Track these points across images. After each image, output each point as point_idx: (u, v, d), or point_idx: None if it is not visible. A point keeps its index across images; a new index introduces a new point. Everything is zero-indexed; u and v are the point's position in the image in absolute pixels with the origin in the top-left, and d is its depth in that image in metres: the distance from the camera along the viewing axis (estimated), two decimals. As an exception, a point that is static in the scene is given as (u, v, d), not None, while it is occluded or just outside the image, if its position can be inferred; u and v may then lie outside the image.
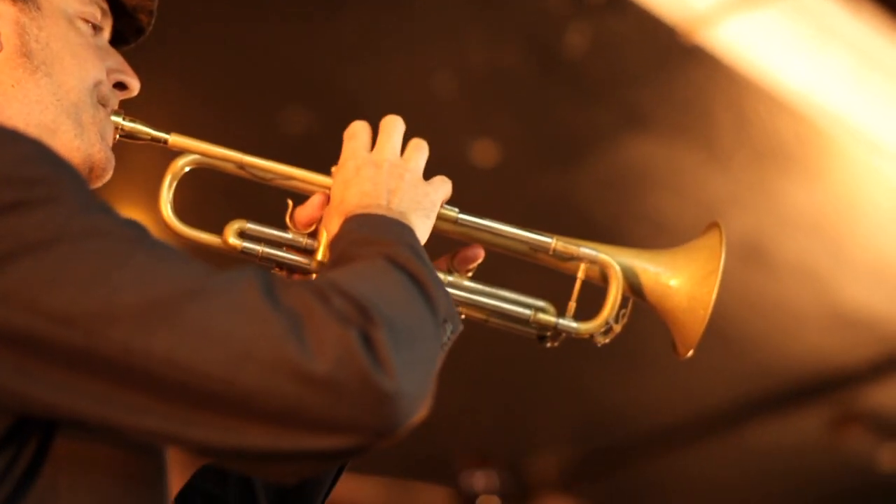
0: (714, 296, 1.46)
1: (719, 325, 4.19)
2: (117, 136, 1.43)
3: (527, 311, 1.51)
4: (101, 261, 1.13)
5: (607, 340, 1.51)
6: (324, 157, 1.49)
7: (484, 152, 3.47)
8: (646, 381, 4.50)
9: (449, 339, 1.30)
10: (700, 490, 5.18)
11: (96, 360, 1.12)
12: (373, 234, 1.31)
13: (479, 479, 2.83)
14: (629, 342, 4.38)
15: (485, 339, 3.92)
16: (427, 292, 1.24)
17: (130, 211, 1.19)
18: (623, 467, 4.97)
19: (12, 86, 1.34)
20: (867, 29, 3.25)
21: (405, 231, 1.32)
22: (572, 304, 1.51)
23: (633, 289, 1.51)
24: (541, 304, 1.52)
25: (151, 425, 1.14)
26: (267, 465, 1.18)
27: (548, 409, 4.71)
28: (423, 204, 1.42)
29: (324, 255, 1.43)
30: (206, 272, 1.16)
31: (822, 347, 4.29)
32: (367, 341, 1.14)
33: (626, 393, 4.54)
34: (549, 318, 1.51)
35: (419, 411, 1.17)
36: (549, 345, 1.53)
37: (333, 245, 1.33)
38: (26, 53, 1.36)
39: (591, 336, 1.51)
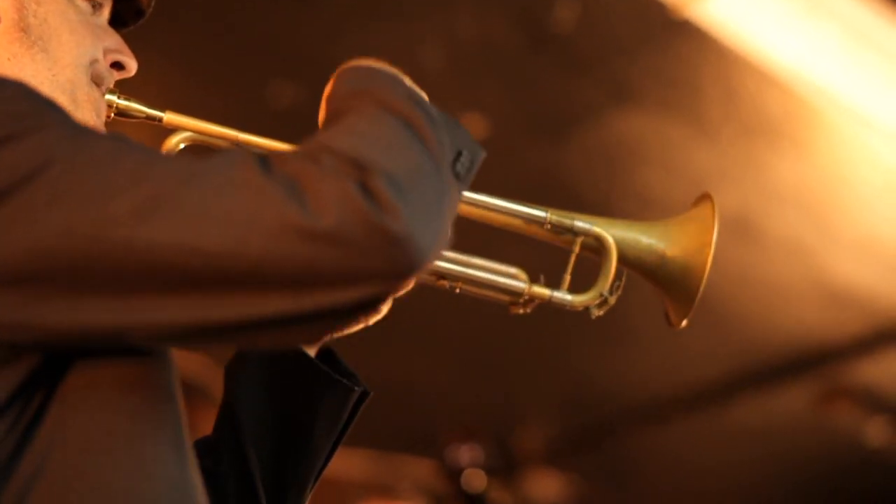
0: (708, 267, 1.47)
1: (706, 299, 4.17)
2: (112, 115, 1.43)
3: (521, 285, 1.51)
4: (94, 172, 1.13)
5: (602, 312, 1.52)
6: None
7: (472, 125, 3.46)
8: (632, 357, 4.50)
9: (470, 168, 1.30)
10: (686, 465, 5.20)
11: (104, 266, 1.12)
12: (364, 84, 1.30)
13: (465, 453, 2.83)
14: (616, 318, 4.39)
15: (471, 313, 3.92)
16: (422, 133, 1.24)
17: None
18: (609, 442, 4.98)
19: (8, 59, 1.34)
20: (856, 4, 3.24)
21: (397, 79, 1.32)
22: (567, 277, 1.52)
23: (628, 261, 1.51)
24: (513, 270, 1.53)
25: (171, 318, 1.14)
26: (293, 330, 1.19)
27: (534, 383, 4.71)
28: None
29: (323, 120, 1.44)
30: (196, 160, 1.18)
31: (810, 322, 4.30)
32: (366, 189, 1.14)
33: (613, 368, 4.54)
34: (544, 291, 1.51)
35: (434, 249, 1.18)
36: (521, 311, 1.53)
37: (327, 105, 1.34)
38: (24, 28, 1.36)
39: (587, 308, 1.52)
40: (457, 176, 1.28)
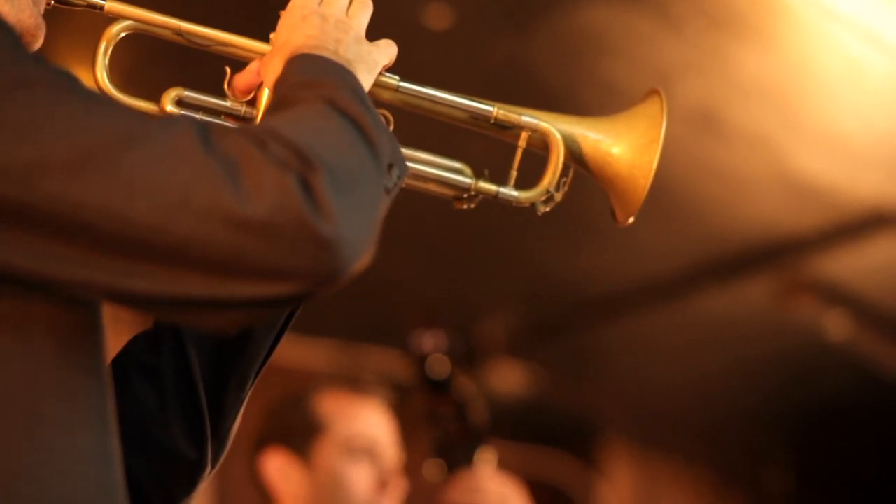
0: (655, 165, 1.47)
1: (670, 192, 4.20)
2: (51, 2, 1.40)
3: (467, 180, 1.50)
4: (32, 110, 1.13)
5: (548, 209, 1.52)
6: (262, 23, 1.47)
7: (437, 15, 3.42)
8: (594, 250, 4.51)
9: (396, 184, 1.29)
10: (647, 356, 5.24)
11: (30, 213, 1.11)
12: (315, 76, 1.29)
13: (428, 340, 2.84)
14: (579, 210, 4.39)
15: (435, 204, 3.91)
16: (369, 136, 1.23)
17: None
18: (570, 333, 5.01)
19: None
20: None
21: (348, 75, 1.31)
22: (513, 173, 1.51)
23: (574, 156, 1.51)
24: (459, 165, 1.52)
25: (88, 277, 1.14)
26: (205, 315, 1.18)
27: (496, 275, 4.72)
28: (367, 60, 1.40)
29: (269, 103, 1.42)
30: (140, 119, 1.15)
31: (772, 215, 4.31)
32: (306, 186, 1.13)
33: (575, 260, 4.55)
34: (491, 187, 1.51)
35: (361, 257, 1.17)
36: (465, 207, 1.53)
37: (275, 89, 1.31)
38: None
39: (533, 204, 1.51)
40: (385, 189, 1.26)
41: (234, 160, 1.13)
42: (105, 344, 1.25)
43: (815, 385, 5.40)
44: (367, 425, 2.57)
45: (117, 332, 1.46)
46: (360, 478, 2.52)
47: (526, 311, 4.88)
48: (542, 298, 4.84)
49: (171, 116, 1.15)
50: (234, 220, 1.11)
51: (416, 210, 4.17)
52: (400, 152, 1.32)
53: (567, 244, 4.48)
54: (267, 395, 1.62)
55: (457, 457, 2.74)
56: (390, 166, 1.27)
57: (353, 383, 2.63)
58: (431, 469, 2.76)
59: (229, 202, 1.11)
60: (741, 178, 4.16)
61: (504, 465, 4.96)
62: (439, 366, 2.82)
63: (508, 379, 5.09)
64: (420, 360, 2.83)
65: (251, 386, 1.53)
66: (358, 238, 1.16)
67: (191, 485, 1.54)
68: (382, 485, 2.53)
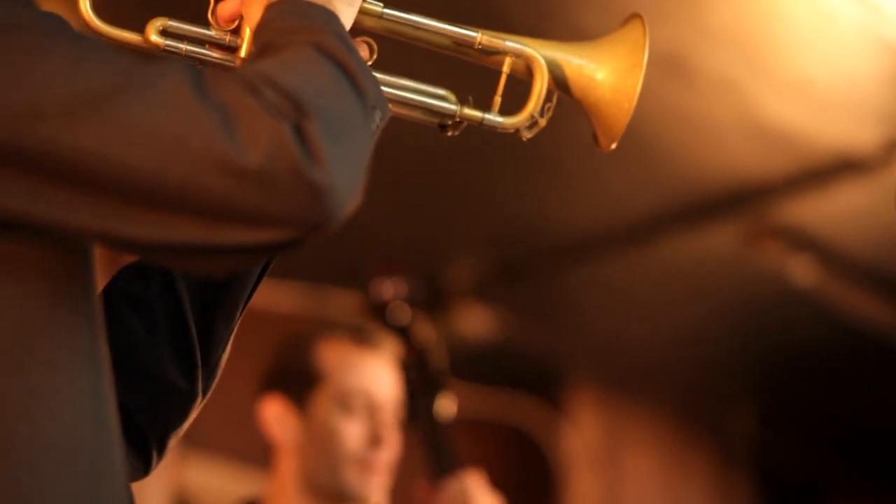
0: (639, 88, 1.48)
1: (637, 137, 4.20)
2: None
3: (452, 107, 1.51)
4: (23, 55, 1.14)
5: (532, 135, 1.53)
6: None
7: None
8: (561, 194, 4.51)
9: (378, 126, 1.29)
10: (613, 300, 5.25)
11: (24, 157, 1.11)
12: (298, 21, 1.28)
13: (389, 288, 2.84)
14: (545, 155, 4.39)
15: (400, 147, 3.90)
16: (357, 82, 1.24)
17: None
18: (536, 278, 5.02)
19: None
20: None
21: (332, 18, 1.31)
22: (497, 99, 1.53)
23: (558, 82, 1.52)
24: (443, 92, 1.52)
25: (81, 221, 1.15)
26: (197, 260, 1.19)
27: (464, 218, 4.72)
28: None
29: (247, 53, 1.41)
30: (133, 65, 1.15)
31: (740, 161, 4.32)
32: (300, 134, 1.14)
33: (542, 204, 4.55)
34: (475, 113, 1.52)
35: (352, 203, 1.18)
36: (449, 133, 1.54)
37: (257, 34, 1.31)
38: None
39: (517, 130, 1.52)
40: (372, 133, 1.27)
41: (229, 107, 1.14)
42: (95, 287, 1.26)
43: (779, 330, 5.43)
44: (366, 380, 2.57)
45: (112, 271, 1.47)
46: (352, 432, 2.53)
47: (493, 255, 4.89)
48: (509, 243, 4.85)
49: (164, 61, 1.15)
50: (229, 166, 1.12)
51: (384, 153, 4.16)
52: (382, 94, 1.32)
53: (534, 189, 4.48)
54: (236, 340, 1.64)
55: (416, 405, 2.75)
56: (373, 108, 1.27)
57: (358, 335, 2.62)
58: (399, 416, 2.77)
59: (224, 149, 1.12)
60: (709, 123, 4.16)
61: (470, 408, 4.98)
62: (400, 313, 2.82)
63: (475, 323, 5.10)
64: (380, 307, 2.83)
65: (240, 315, 1.54)
66: (349, 184, 1.17)
67: (182, 414, 1.55)
68: (376, 440, 2.53)
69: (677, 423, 6.23)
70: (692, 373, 5.90)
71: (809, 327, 5.34)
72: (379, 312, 2.84)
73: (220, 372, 1.58)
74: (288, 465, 2.55)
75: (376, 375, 2.59)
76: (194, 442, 4.45)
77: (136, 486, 1.56)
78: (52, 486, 1.17)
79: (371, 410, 2.55)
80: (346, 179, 1.17)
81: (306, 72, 1.21)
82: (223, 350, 1.56)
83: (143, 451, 1.53)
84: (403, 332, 2.83)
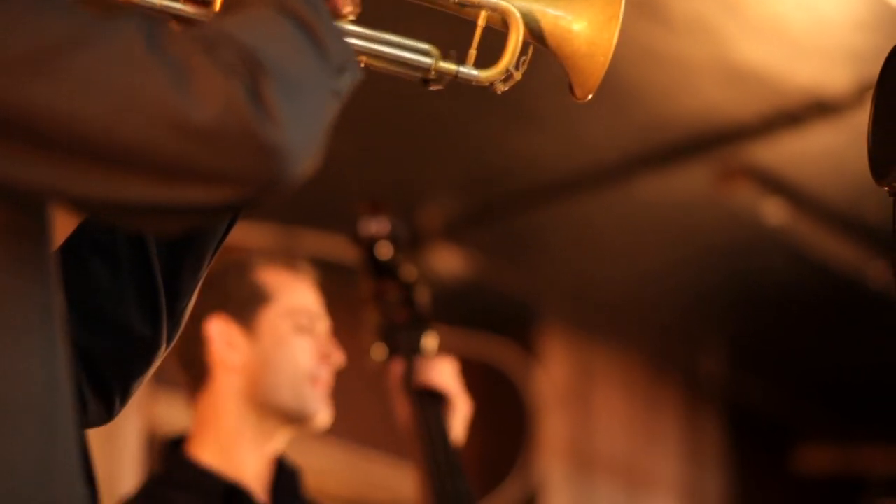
0: (615, 41, 1.48)
1: (610, 78, 4.16)
2: None
3: (427, 60, 1.50)
4: None
5: (507, 88, 1.53)
6: None
7: None
8: (534, 137, 4.51)
9: (345, 87, 1.28)
10: (585, 241, 5.26)
11: None
12: None
13: (374, 225, 2.84)
14: (519, 98, 4.36)
15: (377, 93, 3.88)
16: (319, 42, 1.24)
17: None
18: (509, 219, 5.02)
19: None
20: None
21: None
22: (472, 52, 1.52)
23: (534, 34, 1.51)
24: (428, 48, 1.52)
25: (31, 178, 1.14)
26: (150, 219, 1.19)
27: (436, 161, 4.72)
28: None
29: (220, 8, 1.41)
30: (90, 20, 1.14)
31: (713, 102, 4.32)
32: (254, 91, 1.13)
33: (515, 146, 4.55)
34: (450, 66, 1.51)
35: (306, 164, 1.17)
36: (432, 88, 1.53)
37: None
38: None
39: (492, 84, 1.52)
40: (335, 93, 1.25)
41: (182, 64, 1.12)
42: (51, 246, 1.24)
43: (751, 272, 5.46)
44: (308, 300, 2.59)
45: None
46: (304, 346, 2.54)
47: (465, 196, 4.89)
48: (482, 184, 4.85)
49: (123, 17, 1.14)
50: (181, 124, 1.10)
51: (355, 97, 4.15)
52: (351, 55, 1.31)
53: (507, 130, 4.48)
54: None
55: (401, 341, 2.76)
56: (341, 70, 1.26)
57: (289, 261, 2.64)
58: (378, 353, 2.78)
59: (175, 106, 1.10)
60: (682, 64, 4.16)
61: (443, 348, 4.99)
62: (384, 250, 2.83)
63: (447, 264, 5.11)
64: (366, 244, 2.84)
65: (207, 265, 1.54)
66: (304, 145, 1.16)
67: (146, 363, 1.54)
68: (325, 356, 2.55)
69: (647, 364, 6.27)
70: (663, 313, 5.94)
71: (781, 269, 5.37)
72: (366, 249, 2.85)
73: (184, 321, 1.57)
74: (228, 386, 2.54)
75: (313, 296, 2.60)
76: (164, 380, 4.47)
77: (111, 424, 1.57)
78: (2, 446, 1.17)
79: (315, 328, 2.57)
80: (300, 139, 1.15)
81: (265, 31, 1.20)
82: (189, 300, 1.55)
83: (107, 398, 1.53)
84: (390, 269, 2.84)
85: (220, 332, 2.55)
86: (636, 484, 6.17)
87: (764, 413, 6.55)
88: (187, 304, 1.56)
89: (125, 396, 1.56)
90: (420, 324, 2.78)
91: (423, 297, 2.81)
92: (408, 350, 2.73)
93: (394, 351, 2.75)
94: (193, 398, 2.58)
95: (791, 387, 6.49)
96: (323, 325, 2.60)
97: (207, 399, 2.56)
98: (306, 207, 4.66)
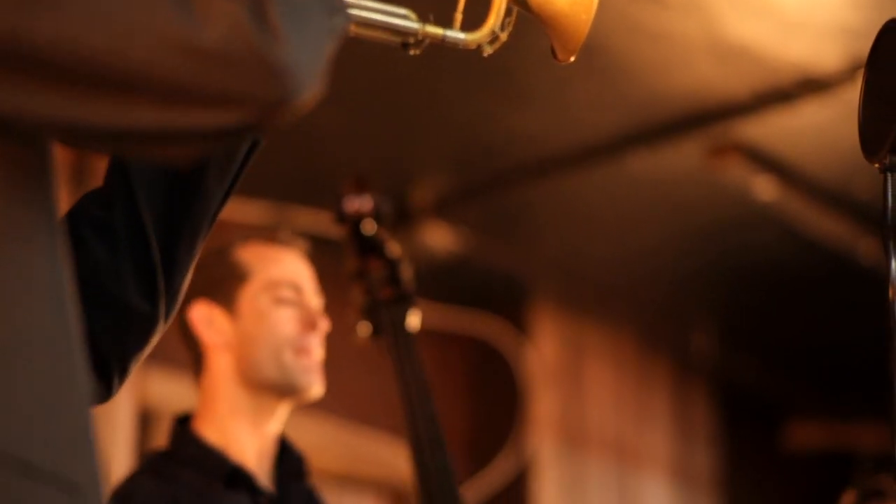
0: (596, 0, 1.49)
1: (602, 54, 4.19)
2: None
3: (414, 25, 1.51)
4: None
5: (493, 50, 1.54)
6: None
7: None
8: (524, 111, 4.50)
9: (338, 30, 1.27)
10: (576, 217, 5.27)
11: None
12: None
13: (357, 203, 2.85)
14: (510, 74, 4.36)
15: (362, 64, 3.88)
16: None
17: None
18: (500, 196, 5.02)
19: None
20: None
21: None
22: (458, 16, 1.53)
23: None
24: (404, 11, 1.52)
25: (36, 108, 1.12)
26: (158, 146, 1.18)
27: (427, 137, 4.71)
28: None
29: None
30: None
31: (705, 78, 4.32)
32: (258, 12, 1.13)
33: (507, 123, 4.55)
34: (437, 30, 1.52)
35: (310, 87, 1.16)
36: (412, 52, 1.54)
37: None
38: None
39: (479, 46, 1.53)
40: (331, 32, 1.24)
41: None
42: (55, 185, 1.24)
43: (741, 249, 5.47)
44: (289, 270, 2.59)
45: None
46: (286, 317, 2.54)
47: (456, 173, 4.88)
48: (472, 161, 4.84)
49: None
50: (186, 46, 1.10)
51: (346, 72, 4.14)
52: (343, 2, 1.31)
53: (497, 107, 4.47)
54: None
55: (385, 318, 2.76)
56: (335, 9, 1.25)
57: (271, 236, 2.64)
58: (363, 330, 2.78)
59: (181, 28, 1.10)
60: (673, 41, 4.16)
61: (435, 325, 5.00)
62: (368, 227, 2.83)
63: (438, 241, 5.11)
64: (350, 222, 2.84)
65: (202, 240, 1.54)
66: (308, 66, 1.16)
67: (144, 340, 1.55)
68: (310, 325, 2.55)
69: (638, 340, 6.28)
70: (653, 289, 5.94)
71: (771, 245, 5.38)
72: (351, 225, 2.85)
73: (181, 297, 1.58)
74: (220, 366, 2.55)
75: (296, 267, 2.61)
76: (157, 357, 4.47)
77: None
78: (9, 384, 1.14)
79: (299, 298, 2.57)
80: (305, 59, 1.15)
81: None
82: (185, 275, 1.56)
83: (106, 376, 1.54)
84: (374, 246, 2.84)
85: (199, 318, 2.57)
86: (626, 460, 6.19)
87: (754, 389, 6.57)
88: (184, 280, 1.56)
89: (124, 374, 1.56)
90: (404, 301, 2.78)
91: (407, 273, 2.81)
92: (392, 327, 2.73)
93: (378, 328, 2.75)
94: (196, 379, 2.60)
95: (781, 363, 6.50)
96: (308, 294, 2.59)
97: (206, 380, 2.58)
98: (297, 184, 4.67)
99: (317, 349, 2.56)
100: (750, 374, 6.47)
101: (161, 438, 4.57)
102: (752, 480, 6.81)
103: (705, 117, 4.48)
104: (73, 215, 1.50)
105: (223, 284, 2.56)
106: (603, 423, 6.12)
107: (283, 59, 1.13)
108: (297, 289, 2.57)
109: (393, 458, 4.83)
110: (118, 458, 4.32)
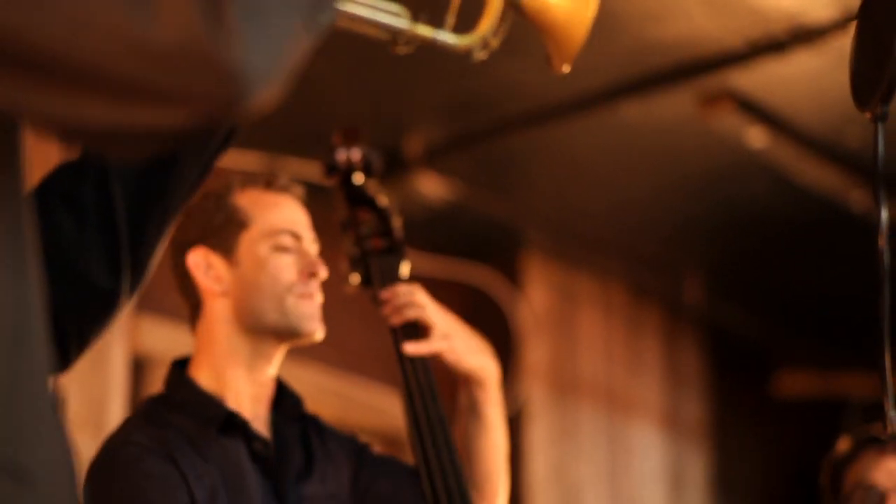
0: (592, 16, 1.47)
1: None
2: None
3: (404, 25, 1.49)
4: None
5: (484, 56, 1.52)
6: None
7: None
8: (519, 62, 4.49)
9: (319, 25, 1.24)
10: (569, 166, 5.27)
11: None
12: None
13: (352, 153, 2.84)
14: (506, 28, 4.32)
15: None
16: None
17: None
18: (493, 145, 5.02)
19: None
20: None
21: None
22: (450, 19, 1.50)
23: (512, 2, 1.50)
24: (395, 8, 1.50)
25: None
26: (110, 141, 1.16)
27: (417, 88, 4.70)
28: None
29: None
30: None
31: (698, 28, 4.31)
32: (212, 9, 1.10)
33: (499, 73, 4.54)
34: (427, 32, 1.50)
35: (264, 88, 1.13)
36: (403, 52, 1.52)
37: None
38: None
39: (469, 51, 1.51)
40: (308, 26, 1.21)
41: None
42: (22, 164, 1.22)
43: (733, 198, 5.47)
44: (288, 218, 2.58)
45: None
46: (285, 263, 2.54)
47: (449, 123, 4.88)
48: (465, 111, 4.84)
49: None
50: (136, 44, 1.08)
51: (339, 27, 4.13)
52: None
53: (491, 57, 4.45)
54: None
55: (376, 269, 2.76)
56: (317, 5, 1.22)
57: (270, 181, 2.63)
58: (354, 280, 2.79)
59: (131, 24, 1.08)
60: (666, -10, 4.15)
61: (427, 273, 5.01)
62: (358, 179, 2.83)
63: (430, 191, 5.11)
64: (343, 172, 2.83)
65: (173, 219, 1.53)
66: (263, 67, 1.12)
67: (106, 315, 1.55)
68: (309, 272, 2.55)
69: (629, 289, 6.30)
70: (644, 239, 5.95)
71: (763, 195, 5.39)
72: (340, 177, 2.85)
73: (148, 274, 1.57)
74: (218, 313, 2.55)
75: (295, 214, 2.59)
76: (148, 306, 4.48)
77: (96, 351, 1.58)
78: None
79: (297, 245, 2.57)
80: (260, 60, 1.12)
81: None
82: (153, 252, 1.55)
83: (63, 348, 1.54)
84: (364, 198, 2.84)
85: (196, 264, 2.56)
86: (617, 408, 6.23)
87: (744, 337, 6.60)
88: (152, 256, 1.56)
89: (82, 347, 1.56)
90: (394, 251, 2.78)
91: (397, 225, 2.81)
92: (382, 278, 2.74)
93: (368, 279, 2.76)
94: (193, 325, 2.60)
95: (772, 311, 6.53)
96: (307, 241, 2.59)
97: (202, 326, 2.57)
98: (289, 135, 4.66)
99: (317, 294, 2.57)
100: (740, 322, 6.49)
101: (154, 385, 4.60)
102: (741, 428, 6.85)
103: (698, 66, 4.47)
104: (45, 185, 1.49)
105: (222, 231, 2.56)
106: (594, 372, 6.14)
107: (236, 58, 1.09)
108: (295, 236, 2.57)
109: (386, 406, 4.85)
110: (112, 405, 4.35)
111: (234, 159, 4.30)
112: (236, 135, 1.56)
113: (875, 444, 3.09)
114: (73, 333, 1.54)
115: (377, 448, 2.73)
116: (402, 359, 2.66)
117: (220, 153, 1.55)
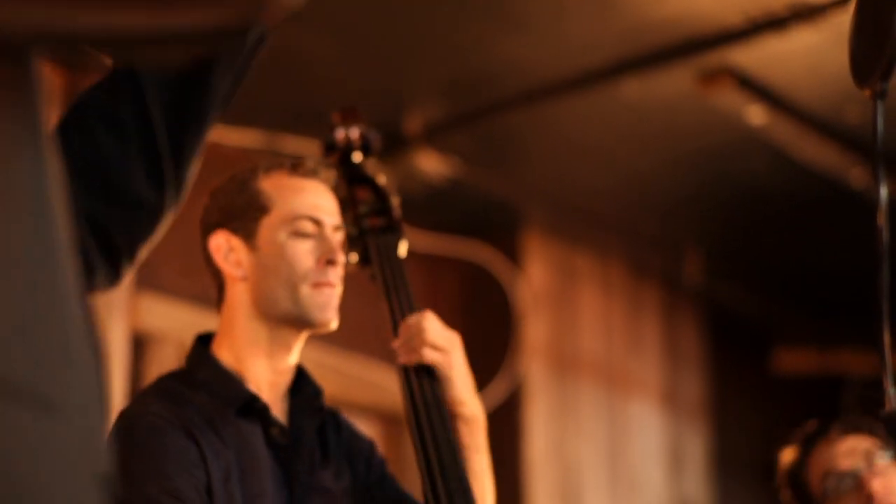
0: None
1: (595, -20, 4.18)
2: None
3: None
4: None
5: None
6: None
7: None
8: (519, 39, 4.49)
9: None
10: (569, 143, 5.27)
11: None
12: None
13: (350, 132, 2.84)
14: (505, 4, 4.34)
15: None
16: None
17: None
18: (493, 123, 5.02)
19: None
20: None
21: None
22: None
23: None
24: None
25: (27, 21, 1.12)
26: (149, 49, 1.17)
27: (418, 65, 4.70)
28: None
29: None
30: None
31: (698, 4, 4.30)
32: None
33: (499, 50, 4.53)
34: None
35: None
36: None
37: None
38: None
39: None
40: None
41: None
42: (43, 103, 1.23)
43: (732, 175, 5.47)
44: (310, 204, 2.56)
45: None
46: (303, 250, 2.53)
47: (448, 101, 4.88)
48: (465, 88, 4.83)
49: None
50: None
51: (339, 1, 4.13)
52: None
53: (491, 34, 4.46)
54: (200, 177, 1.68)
55: (374, 248, 2.76)
56: None
57: (296, 165, 2.61)
58: (353, 258, 2.78)
59: None
60: (666, -34, 4.14)
61: (427, 251, 5.01)
62: (358, 158, 2.83)
63: (430, 168, 5.11)
64: (342, 151, 2.83)
65: (208, 130, 1.55)
66: None
67: (151, 227, 1.61)
68: (326, 260, 2.53)
69: (628, 267, 6.31)
70: (644, 216, 5.96)
71: (763, 172, 5.39)
72: (339, 155, 2.84)
73: (188, 186, 1.61)
74: (238, 297, 2.55)
75: (319, 199, 2.58)
76: (147, 283, 4.49)
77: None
78: None
79: (318, 231, 2.56)
80: None
81: None
82: (191, 164, 1.59)
83: (115, 261, 1.60)
84: (362, 177, 2.83)
85: (218, 247, 2.55)
86: (616, 385, 6.24)
87: (744, 315, 6.61)
88: (190, 169, 1.59)
89: (132, 258, 1.62)
90: (392, 230, 2.78)
91: (395, 203, 2.81)
92: (379, 256, 2.73)
93: (366, 257, 2.75)
94: (217, 308, 2.60)
95: (771, 289, 6.53)
96: (328, 228, 2.57)
97: (225, 310, 2.56)
98: (289, 113, 4.66)
99: (335, 283, 2.55)
100: (740, 299, 6.50)
101: (154, 363, 4.61)
102: (740, 405, 6.86)
103: (697, 43, 4.47)
104: (79, 109, 1.52)
105: (244, 215, 2.55)
106: (593, 349, 6.15)
107: None
108: (316, 222, 2.55)
109: (384, 383, 4.86)
110: (111, 383, 4.35)
111: (231, 136, 4.31)
112: (264, 42, 1.58)
113: (817, 437, 3.09)
114: (123, 248, 1.60)
115: (377, 427, 2.72)
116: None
117: (250, 61, 1.57)
